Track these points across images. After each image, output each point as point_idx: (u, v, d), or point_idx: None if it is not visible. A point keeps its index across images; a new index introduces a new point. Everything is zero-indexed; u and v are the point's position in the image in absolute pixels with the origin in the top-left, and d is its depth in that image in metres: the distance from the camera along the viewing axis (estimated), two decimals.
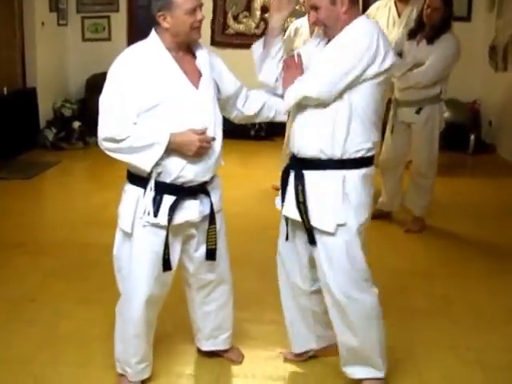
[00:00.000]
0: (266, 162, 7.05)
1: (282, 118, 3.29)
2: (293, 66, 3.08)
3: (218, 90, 3.13)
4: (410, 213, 5.76)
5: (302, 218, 3.07)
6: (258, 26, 9.44)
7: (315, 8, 2.98)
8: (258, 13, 9.48)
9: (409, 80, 5.35)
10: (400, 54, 5.46)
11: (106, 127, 2.89)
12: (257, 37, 9.30)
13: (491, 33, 8.64)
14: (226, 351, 3.58)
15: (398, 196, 5.85)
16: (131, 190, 3.04)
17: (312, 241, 3.10)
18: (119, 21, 9.66)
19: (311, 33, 5.94)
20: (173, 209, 2.97)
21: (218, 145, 3.05)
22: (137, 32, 9.25)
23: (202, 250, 3.18)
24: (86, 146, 8.65)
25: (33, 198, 6.58)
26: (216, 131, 3.04)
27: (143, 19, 9.23)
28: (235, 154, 6.78)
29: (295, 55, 3.13)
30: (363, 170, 3.05)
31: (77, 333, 3.83)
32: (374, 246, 5.43)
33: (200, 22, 2.95)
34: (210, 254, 3.16)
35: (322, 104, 2.96)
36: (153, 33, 2.98)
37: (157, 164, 2.90)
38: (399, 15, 7.15)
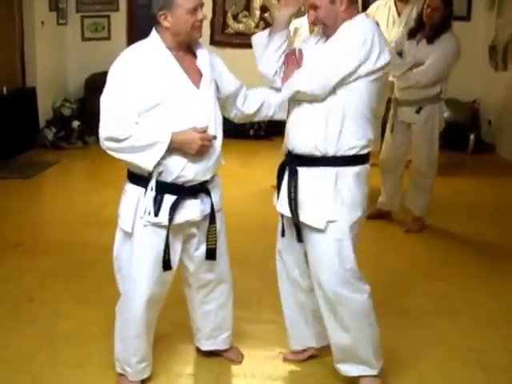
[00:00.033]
0: (265, 161, 7.01)
1: (280, 116, 3.28)
2: (293, 62, 3.08)
3: (218, 90, 3.13)
4: (410, 213, 5.75)
5: (291, 214, 3.08)
6: (257, 26, 9.42)
7: (314, 7, 2.99)
8: (258, 12, 9.46)
9: (409, 79, 5.35)
10: (400, 54, 5.46)
11: (108, 127, 2.88)
12: None
13: (491, 32, 8.63)
14: (225, 351, 3.57)
15: (397, 196, 5.84)
16: (132, 190, 3.04)
17: (300, 238, 3.12)
18: (119, 20, 9.65)
19: (311, 32, 5.93)
20: (174, 208, 2.96)
21: (218, 144, 3.06)
22: (136, 32, 9.24)
23: (203, 249, 3.17)
24: (85, 146, 8.64)
25: (32, 198, 6.57)
26: (217, 130, 3.04)
27: (143, 19, 9.21)
28: (235, 154, 6.77)
29: (296, 50, 3.12)
30: (357, 168, 3.04)
31: (75, 332, 3.82)
32: (374, 245, 5.45)
33: (201, 21, 2.95)
34: (210, 254, 3.16)
35: (316, 100, 2.98)
36: (153, 32, 2.98)
37: (158, 163, 2.89)
38: (399, 14, 7.16)
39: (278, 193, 3.20)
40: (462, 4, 8.90)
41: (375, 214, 5.92)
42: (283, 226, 3.22)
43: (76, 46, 9.62)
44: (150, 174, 2.94)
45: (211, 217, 3.11)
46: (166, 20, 2.89)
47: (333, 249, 3.05)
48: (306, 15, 6.06)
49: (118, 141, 2.87)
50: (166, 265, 3.05)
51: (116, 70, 2.92)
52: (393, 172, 5.75)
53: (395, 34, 6.85)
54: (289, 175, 3.10)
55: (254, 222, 5.05)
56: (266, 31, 3.18)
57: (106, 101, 2.91)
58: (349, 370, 3.26)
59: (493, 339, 3.86)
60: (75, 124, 8.69)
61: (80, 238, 5.36)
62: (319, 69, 2.94)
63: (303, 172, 3.06)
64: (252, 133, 8.92)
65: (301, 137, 3.07)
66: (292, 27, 6.41)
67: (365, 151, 3.05)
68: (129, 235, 3.04)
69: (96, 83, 8.43)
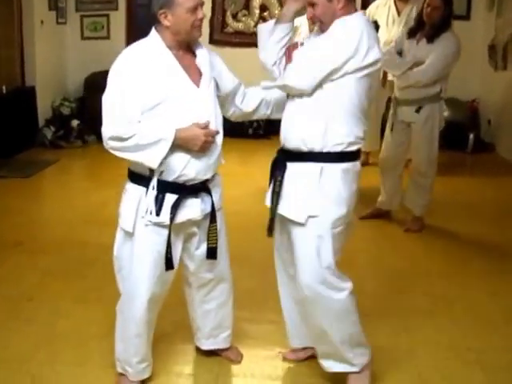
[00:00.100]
0: (264, 160, 6.91)
1: (278, 115, 3.28)
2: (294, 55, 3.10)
3: (218, 88, 3.13)
4: (410, 212, 5.75)
5: (271, 206, 3.11)
6: (256, 25, 9.38)
7: (312, 4, 3.01)
8: (257, 11, 9.45)
9: (409, 79, 5.34)
10: (400, 53, 5.46)
11: (112, 126, 2.87)
12: (256, 35, 9.28)
13: (491, 32, 8.63)
14: (224, 350, 3.57)
15: (397, 195, 5.84)
16: (132, 189, 3.03)
17: (271, 232, 3.18)
18: (118, 19, 9.64)
19: (310, 31, 5.92)
20: (175, 207, 2.96)
21: (219, 141, 3.06)
22: (136, 31, 9.23)
23: (203, 248, 3.17)
24: (84, 145, 8.64)
25: (31, 197, 6.56)
26: (217, 128, 3.04)
27: (142, 18, 9.21)
28: (234, 153, 6.76)
29: (298, 44, 3.14)
30: (344, 165, 3.04)
31: (75, 332, 3.82)
32: (374, 245, 5.46)
33: (201, 20, 2.95)
34: (211, 253, 3.16)
35: (304, 95, 3.01)
36: (153, 31, 2.98)
37: (160, 162, 2.89)
38: (399, 14, 7.17)
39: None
40: (462, 3, 8.90)
41: (375, 214, 5.92)
42: (272, 223, 3.21)
43: (75, 45, 9.61)
44: (152, 173, 2.94)
45: (212, 216, 3.11)
46: (166, 19, 2.89)
47: (312, 245, 3.05)
48: (306, 14, 6.06)
49: (121, 140, 2.86)
50: (169, 264, 3.04)
51: (117, 69, 2.92)
52: (392, 171, 5.75)
53: (395, 33, 6.86)
54: (277, 169, 3.13)
55: (253, 220, 5.03)
56: (272, 21, 3.19)
57: (108, 100, 2.90)
58: (330, 365, 3.27)
59: (492, 339, 3.86)
60: (74, 123, 8.69)
61: (79, 237, 5.36)
62: (306, 64, 2.98)
63: (291, 167, 3.09)
64: (251, 132, 8.91)
65: (290, 132, 3.10)
66: None
67: (352, 148, 3.05)
68: (129, 235, 3.04)
69: (95, 82, 8.45)
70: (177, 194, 2.97)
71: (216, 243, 3.15)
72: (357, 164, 3.11)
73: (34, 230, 5.61)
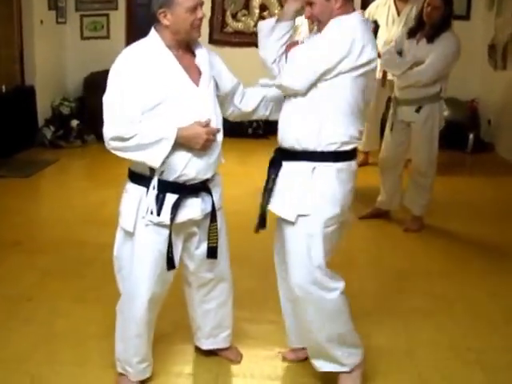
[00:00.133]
0: (264, 160, 6.88)
1: (277, 116, 3.29)
2: None
3: (217, 87, 3.13)
4: (409, 212, 5.74)
5: (262, 202, 3.14)
6: (256, 25, 9.37)
7: (310, 3, 3.02)
8: (257, 11, 9.44)
9: (408, 78, 5.33)
10: (400, 53, 5.45)
11: (113, 126, 2.86)
12: (255, 35, 9.27)
13: (490, 31, 8.62)
14: (224, 350, 3.57)
15: (397, 195, 5.83)
16: (133, 189, 3.03)
17: (259, 227, 3.20)
18: (118, 19, 9.63)
19: (310, 31, 5.92)
20: (175, 207, 2.96)
21: (219, 140, 3.07)
22: (135, 30, 9.22)
23: (203, 247, 3.17)
24: (84, 144, 8.63)
25: (30, 197, 6.56)
26: (218, 127, 3.05)
27: (142, 17, 9.20)
28: (233, 153, 6.75)
29: (299, 43, 3.14)
30: (338, 165, 3.04)
31: (73, 331, 3.81)
32: (374, 245, 5.45)
33: (200, 20, 2.94)
34: (212, 252, 3.16)
35: (299, 95, 3.02)
36: (152, 31, 2.97)
37: (162, 161, 2.89)
38: (398, 14, 7.17)
39: None
40: (462, 3, 8.89)
41: (374, 214, 5.92)
42: (262, 219, 3.22)
43: (75, 44, 9.59)
44: (152, 173, 2.93)
45: (212, 215, 3.11)
46: (166, 18, 2.89)
47: (303, 244, 3.06)
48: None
49: (123, 140, 2.85)
50: (170, 264, 3.04)
51: (117, 69, 2.91)
52: (392, 171, 5.74)
53: (394, 32, 6.86)
54: (272, 168, 3.15)
55: (253, 220, 5.03)
56: (273, 19, 3.18)
57: (109, 100, 2.89)
58: (321, 365, 3.27)
59: (492, 339, 3.86)
60: (74, 123, 8.68)
61: (78, 236, 5.35)
62: (300, 64, 2.98)
63: (285, 166, 3.10)
64: (250, 131, 8.91)
65: (285, 131, 3.11)
66: None
67: (347, 148, 3.04)
68: (130, 235, 3.04)
69: (95, 82, 8.44)
70: (177, 193, 2.96)
71: (216, 243, 3.15)
72: (352, 164, 3.10)
73: (32, 229, 5.61)
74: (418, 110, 5.36)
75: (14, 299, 4.18)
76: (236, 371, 3.49)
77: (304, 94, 3.00)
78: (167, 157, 2.88)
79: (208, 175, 3.05)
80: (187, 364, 3.55)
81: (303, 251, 3.06)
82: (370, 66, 2.97)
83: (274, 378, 3.44)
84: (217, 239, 3.14)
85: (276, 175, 3.12)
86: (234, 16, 9.53)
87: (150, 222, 2.97)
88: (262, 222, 3.20)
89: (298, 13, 3.14)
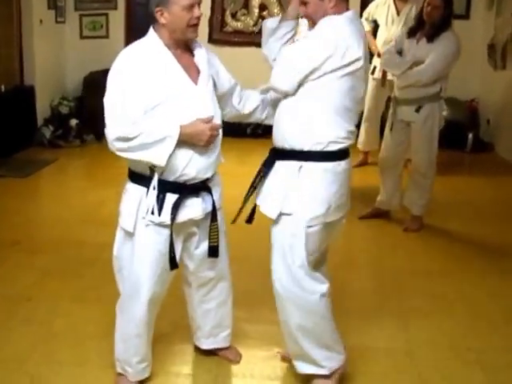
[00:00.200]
0: (263, 159, 6.95)
1: (272, 121, 3.29)
2: None
3: (215, 87, 3.12)
4: (409, 212, 5.73)
5: (244, 198, 3.18)
6: (256, 24, 9.38)
7: (304, 3, 3.04)
8: (256, 11, 9.43)
9: (408, 78, 5.33)
10: (400, 52, 5.45)
11: (116, 127, 2.84)
12: (255, 35, 9.29)
13: (490, 31, 8.62)
14: (223, 350, 3.57)
15: (396, 195, 5.82)
16: (133, 189, 3.02)
17: (247, 220, 3.22)
18: (117, 18, 9.61)
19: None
20: (176, 207, 2.95)
21: (218, 140, 3.07)
22: (135, 30, 9.20)
23: (203, 247, 3.17)
24: (83, 144, 8.61)
25: (29, 196, 6.54)
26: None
27: (141, 17, 9.17)
28: (232, 152, 6.75)
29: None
30: (324, 164, 3.04)
31: (72, 331, 3.81)
32: (373, 245, 5.45)
33: (197, 18, 2.93)
34: (213, 252, 3.16)
35: (288, 95, 3.04)
36: (151, 30, 2.97)
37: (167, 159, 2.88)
38: (398, 13, 7.16)
39: None
40: (461, 3, 8.88)
41: (374, 213, 5.91)
42: (251, 214, 3.26)
43: (74, 44, 9.58)
44: (152, 173, 2.93)
45: (213, 214, 3.11)
46: (163, 16, 2.88)
47: (286, 243, 3.07)
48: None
49: (127, 140, 2.83)
50: (173, 263, 3.04)
51: (117, 69, 2.90)
52: (392, 171, 5.73)
53: (394, 32, 6.85)
54: (264, 165, 3.18)
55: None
56: (277, 18, 3.24)
57: (111, 101, 2.87)
58: (301, 367, 3.27)
59: (492, 339, 3.86)
60: (73, 122, 8.66)
61: (77, 236, 5.34)
62: (286, 65, 3.02)
63: (276, 164, 3.13)
64: (249, 131, 8.91)
65: (277, 131, 3.14)
66: None
67: (334, 148, 3.03)
68: (130, 235, 3.03)
69: (94, 81, 8.44)
70: (177, 193, 2.96)
71: (217, 242, 3.15)
72: (340, 164, 3.09)
73: (31, 229, 5.60)
74: (417, 110, 5.35)
75: (13, 299, 4.17)
76: (235, 371, 3.48)
77: (293, 94, 3.02)
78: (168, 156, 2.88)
79: (208, 175, 3.05)
80: (186, 364, 3.55)
81: (285, 250, 3.08)
82: (356, 65, 2.95)
83: (274, 378, 3.43)
84: (218, 238, 3.14)
85: (265, 173, 3.15)
86: (234, 15, 9.52)
87: (151, 222, 2.96)
88: (248, 217, 3.24)
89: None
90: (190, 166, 2.95)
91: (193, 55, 3.04)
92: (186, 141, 2.88)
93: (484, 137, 8.89)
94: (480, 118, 8.97)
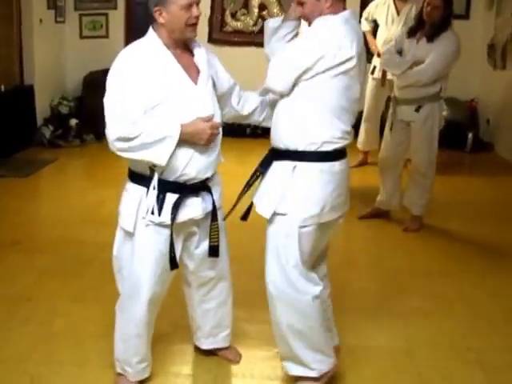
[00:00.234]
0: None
1: (269, 124, 3.29)
2: None
3: (215, 87, 3.12)
4: (409, 211, 5.73)
5: (238, 195, 3.18)
6: (255, 24, 9.38)
7: (301, 3, 3.04)
8: (256, 10, 9.43)
9: (408, 78, 5.32)
10: (400, 52, 5.44)
11: (117, 127, 2.83)
12: (254, 34, 9.30)
13: (490, 31, 8.62)
14: (223, 350, 3.57)
15: (396, 194, 5.82)
16: (133, 189, 3.02)
17: (242, 217, 3.20)
18: (117, 18, 9.61)
19: None
20: (176, 207, 2.95)
21: (218, 140, 3.07)
22: (134, 29, 9.19)
23: (203, 247, 3.17)
24: (82, 144, 8.60)
25: (29, 196, 6.54)
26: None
27: (141, 17, 9.17)
28: (232, 152, 6.76)
29: None
30: (320, 164, 3.03)
31: (72, 331, 3.80)
32: (373, 245, 5.44)
33: (196, 18, 2.92)
34: (213, 251, 3.16)
35: (283, 95, 3.05)
36: (150, 30, 2.97)
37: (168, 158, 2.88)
38: (398, 13, 7.16)
39: None
40: (461, 2, 8.88)
41: (374, 213, 5.91)
42: (247, 211, 3.26)
43: (74, 44, 9.58)
44: (152, 173, 2.92)
45: (213, 214, 3.11)
46: (161, 16, 2.88)
47: (280, 243, 3.07)
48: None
49: (128, 140, 2.82)
50: (173, 263, 3.04)
51: (117, 69, 2.89)
52: (392, 171, 5.73)
53: (394, 32, 6.85)
54: (260, 165, 3.19)
55: (253, 220, 5.04)
56: (280, 18, 3.24)
57: (111, 101, 2.86)
58: (290, 368, 3.27)
59: (492, 339, 3.85)
60: (73, 122, 8.66)
61: (77, 236, 5.34)
62: (280, 65, 3.02)
63: (273, 164, 3.13)
64: (249, 131, 8.90)
65: (273, 131, 3.15)
66: None
67: (329, 148, 3.03)
68: (130, 235, 3.03)
69: (94, 81, 8.43)
70: (178, 193, 2.96)
71: (218, 241, 3.15)
72: (335, 164, 3.07)
73: (31, 229, 5.59)
74: (417, 110, 5.35)
75: (12, 299, 4.17)
76: (235, 371, 3.48)
77: (288, 94, 3.03)
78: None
79: (208, 174, 3.05)
80: (186, 364, 3.54)
81: (279, 250, 3.08)
82: (348, 64, 2.93)
83: (274, 378, 3.43)
84: (218, 238, 3.14)
85: (261, 172, 3.16)
86: (234, 15, 9.51)
87: (151, 222, 2.96)
88: (244, 214, 3.24)
89: None
90: (190, 165, 2.94)
91: (192, 55, 3.04)
92: (186, 140, 2.88)
93: (484, 137, 8.89)
94: (480, 117, 8.96)
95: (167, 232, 2.98)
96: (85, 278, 4.53)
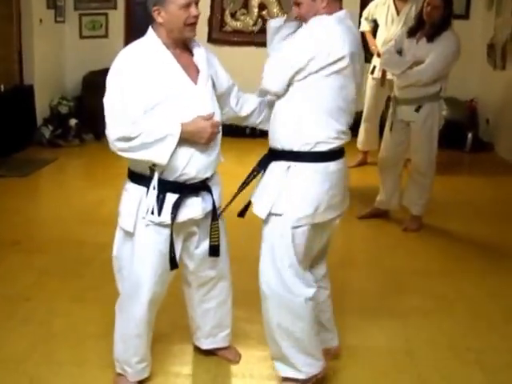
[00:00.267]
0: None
1: (266, 126, 3.29)
2: None
3: (214, 87, 3.12)
4: (408, 211, 5.73)
5: (235, 193, 3.16)
6: (255, 24, 9.38)
7: (297, 4, 3.05)
8: (256, 10, 9.42)
9: (409, 78, 5.32)
10: (400, 52, 5.44)
11: (118, 127, 2.83)
12: (254, 34, 9.29)
13: (489, 31, 8.61)
14: (223, 350, 3.56)
15: (396, 194, 5.82)
16: (133, 189, 3.01)
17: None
18: (117, 18, 9.61)
19: None
20: (176, 207, 2.95)
21: (218, 139, 3.07)
22: (134, 29, 9.19)
23: (203, 246, 3.17)
24: (82, 144, 8.60)
25: (28, 196, 6.54)
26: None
27: (141, 16, 9.16)
28: (231, 152, 6.74)
29: None
30: (312, 165, 3.03)
31: (72, 331, 3.80)
32: (373, 244, 5.44)
33: (195, 17, 2.92)
34: (214, 251, 3.16)
35: (279, 96, 3.07)
36: (150, 30, 2.97)
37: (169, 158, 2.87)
38: (398, 13, 7.16)
39: None
40: (461, 2, 8.87)
41: (373, 213, 5.91)
42: (245, 209, 3.28)
43: (74, 43, 9.57)
44: (152, 173, 2.92)
45: (213, 214, 3.11)
46: (160, 16, 2.88)
47: (275, 243, 3.08)
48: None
49: (129, 140, 2.82)
50: (173, 263, 3.03)
51: (117, 68, 2.89)
52: (392, 171, 5.73)
53: (394, 32, 6.86)
54: (257, 164, 3.20)
55: (252, 220, 5.04)
56: (282, 18, 3.25)
57: (111, 101, 2.86)
58: (279, 368, 3.27)
59: (492, 339, 3.85)
60: (72, 122, 8.65)
61: (76, 236, 5.34)
62: (274, 66, 3.04)
63: (271, 165, 3.14)
64: (248, 131, 8.89)
65: (271, 131, 3.16)
66: None
67: (323, 148, 3.03)
68: (130, 235, 3.03)
69: (94, 81, 8.43)
70: (178, 193, 2.96)
71: (218, 241, 3.15)
72: (330, 165, 3.06)
73: (31, 229, 5.59)
74: (417, 110, 5.35)
75: (12, 299, 4.17)
76: (235, 371, 3.48)
77: (283, 95, 3.04)
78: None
79: (208, 174, 3.05)
80: (186, 364, 3.54)
81: (274, 250, 3.08)
82: (341, 63, 2.92)
83: (273, 378, 3.41)
84: (218, 237, 3.15)
85: (257, 172, 3.17)
86: (233, 15, 9.51)
87: (151, 222, 2.96)
88: (241, 211, 3.25)
89: None
90: (190, 165, 2.94)
91: (192, 54, 3.03)
92: (187, 139, 2.88)
93: (483, 136, 8.89)
94: (479, 117, 8.96)
95: (167, 232, 2.98)
96: (85, 277, 4.53)
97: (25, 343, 3.64)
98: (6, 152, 7.69)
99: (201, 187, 3.05)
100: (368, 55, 7.24)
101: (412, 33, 5.40)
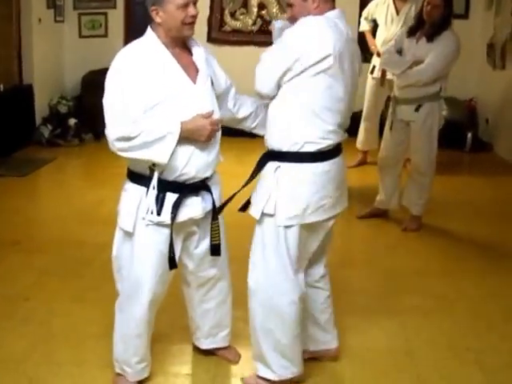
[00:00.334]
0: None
1: (261, 132, 3.30)
2: None
3: (213, 86, 3.11)
4: (408, 211, 5.73)
5: (234, 193, 3.18)
6: (254, 23, 9.38)
7: (290, 5, 3.07)
8: (255, 10, 9.41)
9: (408, 78, 5.32)
10: (399, 52, 5.44)
11: (118, 126, 2.83)
12: (253, 34, 9.29)
13: (489, 30, 8.61)
14: (222, 350, 3.57)
15: (395, 194, 5.82)
16: (132, 189, 3.01)
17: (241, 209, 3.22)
18: (116, 18, 9.60)
19: None
20: (176, 206, 2.95)
21: (217, 139, 3.07)
22: (134, 29, 9.18)
23: (203, 246, 3.18)
24: (81, 143, 8.59)
25: (28, 196, 6.54)
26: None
27: (140, 16, 9.15)
28: (231, 152, 6.74)
29: None
30: (302, 165, 3.03)
31: (72, 331, 3.80)
32: (372, 244, 5.44)
33: (193, 17, 2.92)
34: (215, 250, 3.16)
35: (270, 97, 3.08)
36: (148, 30, 2.97)
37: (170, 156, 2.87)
38: (398, 12, 7.16)
39: None
40: (461, 2, 8.87)
41: (373, 213, 5.91)
42: (246, 204, 3.27)
43: (73, 43, 9.57)
44: (152, 173, 2.92)
45: (213, 213, 3.11)
46: (158, 15, 2.88)
47: (267, 243, 3.10)
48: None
49: (129, 139, 2.82)
50: (172, 263, 3.03)
51: (116, 68, 2.89)
52: (391, 170, 5.73)
53: (393, 31, 6.86)
54: (256, 164, 3.19)
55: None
56: (284, 19, 3.25)
57: (110, 101, 2.86)
58: (257, 366, 3.29)
59: (491, 339, 3.85)
60: (71, 121, 8.65)
61: (76, 236, 5.33)
62: (262, 68, 3.06)
63: (266, 165, 3.14)
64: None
65: (266, 132, 3.18)
66: None
67: (312, 149, 3.02)
68: (129, 235, 3.02)
69: (93, 81, 8.42)
70: (177, 193, 2.96)
71: (219, 240, 3.15)
72: (318, 166, 3.05)
73: (30, 229, 5.59)
74: (417, 109, 5.34)
75: (11, 299, 4.17)
76: (234, 371, 3.48)
77: (274, 96, 3.06)
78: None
79: (207, 173, 3.05)
80: (185, 364, 3.54)
81: (265, 249, 3.10)
82: (326, 63, 2.90)
83: None
84: (219, 236, 3.15)
85: (256, 173, 3.17)
86: (233, 15, 9.50)
87: (151, 221, 2.96)
88: (242, 206, 3.25)
89: None
90: (190, 164, 2.94)
91: (191, 54, 3.04)
92: (187, 137, 2.88)
93: (483, 136, 8.89)
94: (479, 117, 8.96)
95: (167, 232, 2.97)
96: (84, 277, 4.53)
97: (24, 343, 3.64)
98: (5, 151, 7.69)
99: (201, 187, 3.05)
100: (368, 55, 7.25)
101: (412, 32, 5.40)
